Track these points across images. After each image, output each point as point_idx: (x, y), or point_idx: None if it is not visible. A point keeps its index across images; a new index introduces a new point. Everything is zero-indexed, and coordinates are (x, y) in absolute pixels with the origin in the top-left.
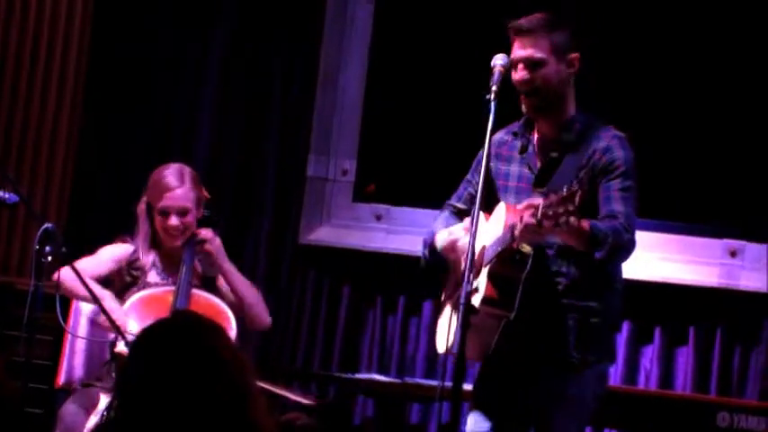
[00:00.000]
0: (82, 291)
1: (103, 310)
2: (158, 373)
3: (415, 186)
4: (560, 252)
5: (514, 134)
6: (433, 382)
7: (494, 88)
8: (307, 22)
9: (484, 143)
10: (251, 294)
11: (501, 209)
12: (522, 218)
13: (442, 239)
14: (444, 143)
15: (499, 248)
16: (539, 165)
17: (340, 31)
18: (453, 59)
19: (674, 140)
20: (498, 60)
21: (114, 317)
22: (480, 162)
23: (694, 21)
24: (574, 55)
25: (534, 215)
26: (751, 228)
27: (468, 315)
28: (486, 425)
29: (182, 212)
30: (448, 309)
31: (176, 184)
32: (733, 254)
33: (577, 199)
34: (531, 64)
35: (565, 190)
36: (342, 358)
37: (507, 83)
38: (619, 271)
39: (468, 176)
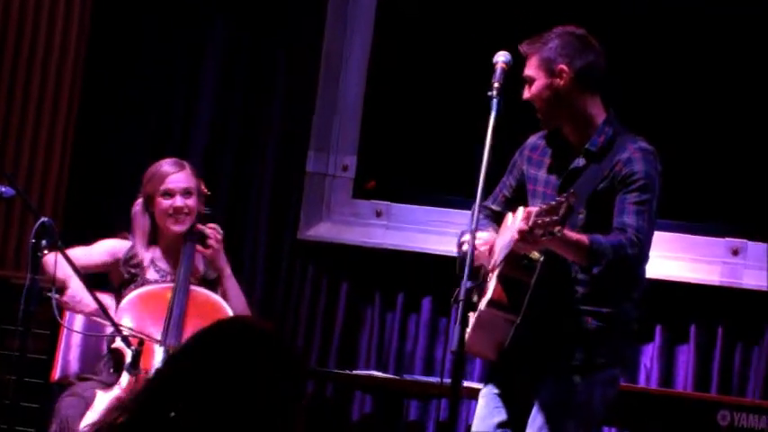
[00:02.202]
0: (60, 272)
1: (92, 294)
2: (211, 376)
3: (416, 183)
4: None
5: (546, 139)
6: (432, 379)
7: (496, 85)
8: (308, 16)
9: (485, 140)
10: (240, 303)
11: (519, 213)
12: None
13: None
14: (445, 140)
15: (505, 252)
16: (563, 172)
17: (342, 26)
18: (455, 56)
19: (676, 139)
20: (500, 57)
21: (76, 299)
22: (515, 164)
23: (691, 23)
24: (560, 66)
25: (527, 223)
26: (753, 226)
27: (466, 312)
28: (493, 419)
29: (185, 193)
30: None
31: (176, 170)
32: (735, 252)
33: (562, 210)
34: (527, 82)
35: (554, 201)
36: (340, 354)
37: (510, 80)
38: (638, 280)
39: (504, 178)
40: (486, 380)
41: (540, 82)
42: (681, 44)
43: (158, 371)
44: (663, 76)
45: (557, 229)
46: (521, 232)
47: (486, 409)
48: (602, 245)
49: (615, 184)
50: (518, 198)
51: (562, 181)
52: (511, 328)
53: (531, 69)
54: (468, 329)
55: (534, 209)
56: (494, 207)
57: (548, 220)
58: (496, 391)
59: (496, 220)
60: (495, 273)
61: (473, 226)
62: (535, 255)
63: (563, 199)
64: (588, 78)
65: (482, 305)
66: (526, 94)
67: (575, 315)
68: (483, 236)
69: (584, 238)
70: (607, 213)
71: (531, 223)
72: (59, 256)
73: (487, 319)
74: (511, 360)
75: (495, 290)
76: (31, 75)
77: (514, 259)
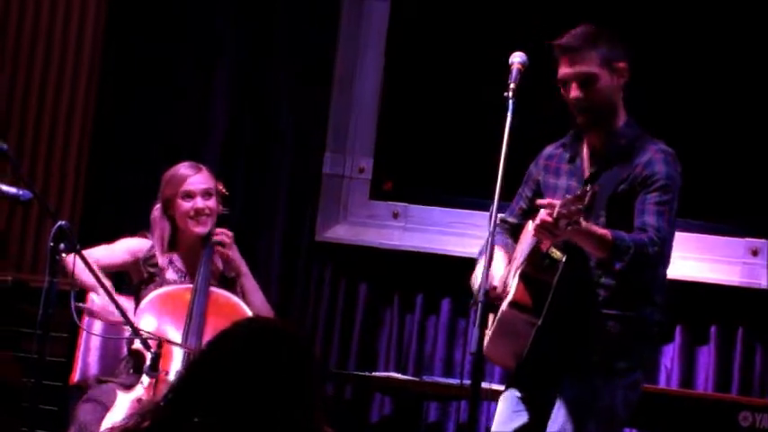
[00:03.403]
0: (86, 278)
1: (111, 298)
2: (236, 376)
3: (433, 184)
4: (600, 262)
5: (564, 146)
6: (452, 381)
7: (512, 86)
8: (323, 17)
9: (503, 143)
10: (261, 301)
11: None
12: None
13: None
14: (462, 141)
15: (529, 250)
16: (586, 177)
17: (356, 27)
18: (470, 56)
19: (696, 139)
20: (516, 58)
21: (107, 308)
22: (531, 175)
23: (712, 23)
24: (622, 64)
25: (551, 214)
26: None
27: (485, 314)
28: (514, 423)
29: (206, 194)
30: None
31: (194, 172)
32: (755, 253)
33: (587, 198)
34: (584, 81)
35: (579, 190)
36: (359, 356)
37: (526, 81)
38: (660, 284)
39: (520, 190)
40: (507, 383)
41: (605, 80)
42: (699, 42)
43: (180, 375)
44: (682, 76)
45: (581, 217)
46: (543, 222)
47: (507, 412)
48: (625, 241)
49: (635, 186)
50: (535, 209)
51: (582, 185)
52: (532, 330)
53: (591, 66)
54: (488, 335)
55: (557, 201)
56: (511, 220)
57: (573, 209)
58: (518, 394)
59: (515, 232)
60: (518, 273)
61: (491, 227)
62: (557, 254)
63: (588, 189)
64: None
65: (504, 306)
66: (578, 92)
67: (596, 318)
68: (498, 272)
69: (607, 232)
70: (627, 216)
71: (556, 214)
72: (80, 259)
73: (509, 320)
74: (532, 363)
75: (517, 290)
76: (47, 77)
77: (536, 258)
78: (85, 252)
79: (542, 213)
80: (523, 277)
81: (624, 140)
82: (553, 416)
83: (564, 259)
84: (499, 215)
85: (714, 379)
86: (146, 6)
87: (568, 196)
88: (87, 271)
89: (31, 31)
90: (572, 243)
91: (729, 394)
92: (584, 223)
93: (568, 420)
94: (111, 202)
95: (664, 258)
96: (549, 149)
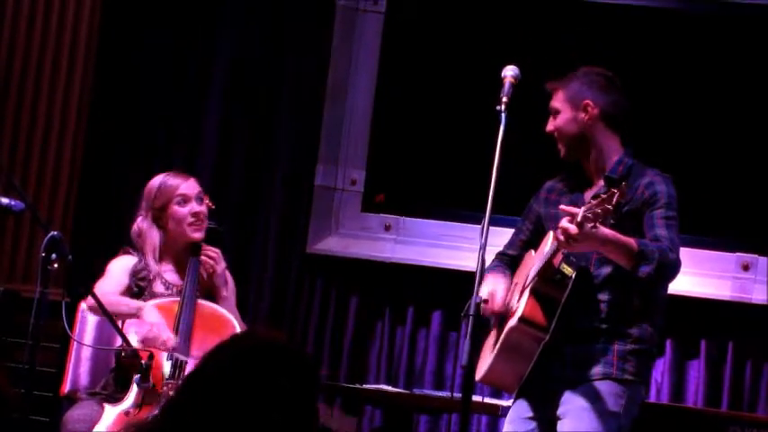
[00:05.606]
0: (120, 308)
1: (109, 317)
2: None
3: (425, 197)
4: (605, 281)
5: (563, 179)
6: (442, 394)
7: (504, 99)
8: (316, 31)
9: (495, 155)
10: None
11: (548, 237)
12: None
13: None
14: (454, 153)
15: (541, 264)
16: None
17: (349, 41)
18: (463, 69)
19: (687, 154)
20: (508, 71)
21: (155, 331)
22: (531, 208)
23: (703, 41)
24: (585, 101)
25: (573, 221)
26: (764, 241)
27: (476, 327)
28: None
29: (199, 199)
30: (491, 337)
31: (184, 179)
32: (745, 267)
33: (615, 199)
34: (553, 113)
35: (605, 194)
36: (349, 369)
37: (518, 94)
38: (660, 304)
39: (520, 224)
40: (512, 404)
41: (566, 115)
42: (692, 62)
43: (178, 388)
44: (673, 92)
45: (610, 215)
46: (567, 230)
47: (518, 414)
48: (649, 246)
49: (639, 206)
50: (535, 241)
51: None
52: (538, 347)
53: (557, 102)
54: (489, 356)
55: (578, 210)
56: (510, 252)
57: (598, 211)
58: (526, 414)
59: (514, 264)
60: (528, 288)
61: (482, 241)
62: (568, 270)
63: (614, 191)
64: (611, 116)
65: (512, 322)
66: (550, 126)
67: (598, 335)
68: (493, 285)
69: (631, 240)
70: (631, 235)
71: (580, 218)
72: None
73: (516, 337)
74: (536, 376)
75: (527, 305)
76: (40, 87)
77: (548, 274)
78: (99, 291)
79: (564, 220)
80: (534, 293)
81: (622, 167)
82: (560, 424)
83: (574, 276)
84: (498, 249)
85: (704, 393)
86: (139, 18)
87: (593, 201)
88: (116, 301)
89: (25, 30)
90: (584, 261)
91: (719, 409)
92: (608, 230)
93: (577, 426)
94: (104, 211)
95: (679, 265)
96: (549, 183)
